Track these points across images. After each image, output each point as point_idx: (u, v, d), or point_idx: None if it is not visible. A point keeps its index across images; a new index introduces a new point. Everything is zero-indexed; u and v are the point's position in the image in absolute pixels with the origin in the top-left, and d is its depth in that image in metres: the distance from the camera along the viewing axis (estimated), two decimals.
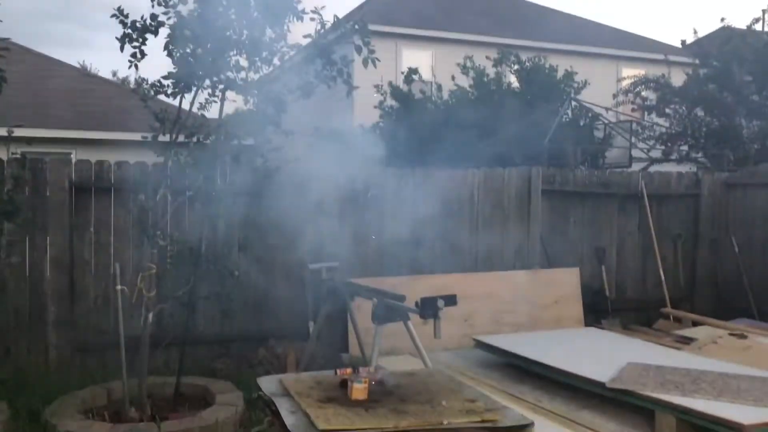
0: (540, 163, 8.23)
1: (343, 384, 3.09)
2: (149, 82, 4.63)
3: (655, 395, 4.45)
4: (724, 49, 11.07)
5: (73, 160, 6.10)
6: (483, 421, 2.71)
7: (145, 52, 4.39)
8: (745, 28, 11.69)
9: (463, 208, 7.23)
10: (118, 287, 4.88)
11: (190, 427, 4.33)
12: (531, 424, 2.74)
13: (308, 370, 4.66)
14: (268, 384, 3.17)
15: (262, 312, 6.46)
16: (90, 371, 5.67)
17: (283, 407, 2.82)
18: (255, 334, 6.35)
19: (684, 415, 4.26)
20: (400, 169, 7.03)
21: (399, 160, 7.41)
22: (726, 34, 11.57)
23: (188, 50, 4.39)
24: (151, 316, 4.68)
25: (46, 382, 5.34)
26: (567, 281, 7.39)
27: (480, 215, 7.28)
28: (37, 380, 5.36)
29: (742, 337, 6.24)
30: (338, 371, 3.26)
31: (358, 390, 2.93)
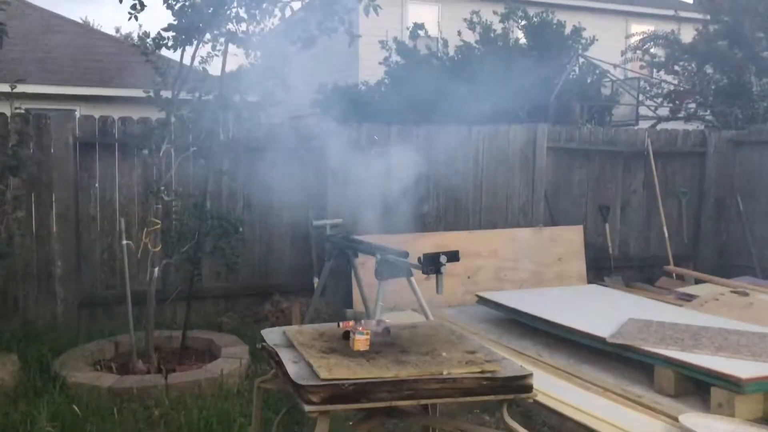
0: (546, 121, 8.18)
1: (346, 335, 3.12)
2: (151, 37, 4.60)
3: (654, 350, 4.51)
4: (736, 4, 10.86)
5: (78, 116, 6.09)
6: (482, 372, 2.74)
7: (145, 3, 4.34)
8: None
9: (468, 166, 7.22)
10: (124, 242, 4.92)
11: (196, 379, 4.41)
12: (530, 375, 2.77)
13: (312, 323, 4.72)
14: (271, 335, 3.20)
15: (267, 268, 6.53)
16: (98, 325, 5.76)
17: (286, 357, 2.86)
18: (260, 289, 6.42)
19: (683, 369, 4.31)
20: (404, 126, 7.00)
21: (403, 117, 7.37)
22: None
23: (187, 1, 4.34)
24: (156, 271, 4.73)
25: (55, 334, 5.44)
26: (571, 239, 7.41)
27: (485, 173, 7.27)
28: (45, 333, 5.46)
29: (744, 294, 6.27)
30: (341, 324, 3.30)
31: (360, 341, 2.97)
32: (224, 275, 6.20)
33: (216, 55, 4.78)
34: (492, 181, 7.31)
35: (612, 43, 13.47)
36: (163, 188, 4.74)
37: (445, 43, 10.98)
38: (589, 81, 10.69)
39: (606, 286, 7.15)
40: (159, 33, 4.49)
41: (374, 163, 6.49)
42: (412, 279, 4.87)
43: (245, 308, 6.35)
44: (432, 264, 4.36)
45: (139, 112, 6.10)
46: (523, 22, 11.01)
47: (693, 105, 11.18)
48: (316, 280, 6.18)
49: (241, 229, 5.40)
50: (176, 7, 4.36)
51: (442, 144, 6.89)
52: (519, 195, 7.44)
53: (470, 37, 11.02)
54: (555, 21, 10.99)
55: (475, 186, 7.26)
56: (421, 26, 10.84)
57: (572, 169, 7.71)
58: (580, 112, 9.51)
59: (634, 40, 12.37)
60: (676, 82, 11.55)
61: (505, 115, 8.05)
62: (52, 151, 5.73)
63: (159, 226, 4.69)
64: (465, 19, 11.16)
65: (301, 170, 6.48)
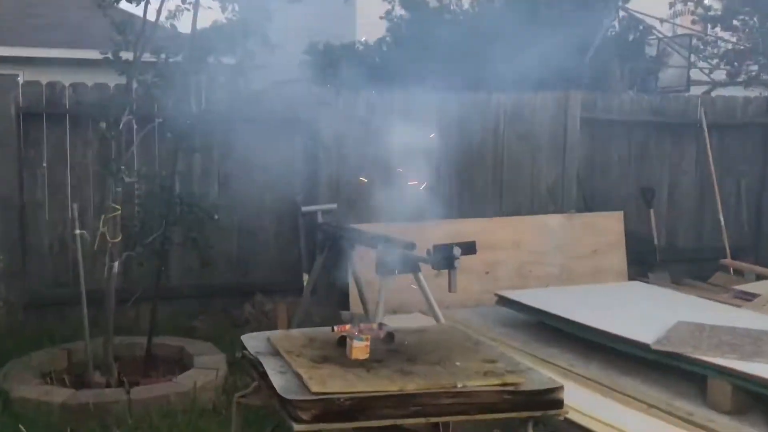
0: (579, 86, 8.14)
1: (341, 342, 3.15)
2: None
3: (708, 359, 4.52)
4: None
5: (21, 82, 6.09)
6: (504, 385, 2.76)
7: None
8: None
9: (487, 140, 7.22)
10: (77, 232, 4.93)
11: (165, 394, 4.44)
12: (560, 388, 2.79)
13: (301, 328, 4.74)
14: (253, 341, 3.23)
15: (248, 262, 6.55)
16: (47, 330, 5.78)
17: (271, 367, 2.88)
18: (239, 287, 6.44)
19: (742, 381, 4.32)
20: (408, 92, 6.98)
21: (408, 83, 7.35)
22: None
23: None
24: (116, 265, 4.75)
25: None
26: (608, 227, 7.42)
27: (506, 148, 7.27)
28: None
29: None
30: (336, 328, 3.32)
31: (359, 348, 2.99)
32: (197, 271, 6.21)
33: (186, 9, 4.78)
34: (515, 158, 7.31)
35: None
36: (123, 168, 4.75)
37: None
38: (630, 39, 10.64)
39: (650, 283, 7.16)
40: None
41: (374, 137, 6.49)
42: (420, 275, 4.88)
43: (222, 310, 6.37)
44: (444, 257, 4.37)
45: (95, 77, 6.08)
46: None
47: (755, 67, 11.13)
48: (305, 277, 6.18)
49: (216, 217, 5.41)
50: None
51: (455, 115, 6.88)
52: (547, 175, 7.44)
53: None
54: None
55: (495, 165, 7.26)
56: None
57: (610, 144, 7.70)
58: (620, 77, 9.47)
59: None
60: (734, 39, 11.49)
61: (530, 80, 8.02)
62: None
63: (119, 212, 4.70)
64: None
65: (287, 146, 6.49)
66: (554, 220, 7.28)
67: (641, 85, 10.30)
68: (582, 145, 7.54)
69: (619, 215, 7.50)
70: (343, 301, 6.48)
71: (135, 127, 5.13)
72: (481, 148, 7.19)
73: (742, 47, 11.37)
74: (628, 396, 4.54)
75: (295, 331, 3.51)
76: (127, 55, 4.67)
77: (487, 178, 7.26)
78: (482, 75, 7.40)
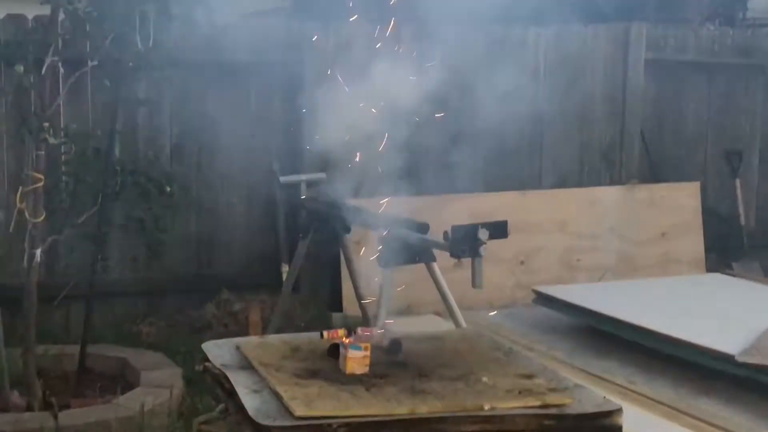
0: (644, 19, 8.10)
1: (333, 351, 3.16)
2: None
3: None
4: None
5: None
6: (544, 406, 2.77)
7: None
8: None
9: (522, 89, 7.17)
10: None
11: (103, 419, 4.47)
12: (617, 411, 2.80)
13: (280, 333, 4.75)
14: (218, 351, 3.25)
15: (211, 250, 6.56)
16: None
17: (242, 384, 2.90)
18: (200, 282, 6.47)
19: None
20: (419, 24, 6.94)
21: (420, 11, 7.30)
22: None
23: None
24: (38, 253, 4.75)
25: None
26: (681, 203, 7.42)
27: (547, 99, 7.25)
28: None
29: None
30: (325, 334, 3.33)
31: (355, 360, 3.00)
32: (144, 261, 6.22)
33: None
34: (559, 112, 7.28)
35: None
36: (46, 125, 4.74)
37: None
38: None
39: (735, 275, 7.16)
40: None
41: (373, 85, 6.46)
42: (435, 266, 4.89)
43: (177, 311, 6.39)
44: (466, 242, 4.36)
45: (9, 5, 6.06)
46: None
47: None
48: (285, 269, 6.20)
49: (169, 189, 5.41)
50: None
51: (480, 53, 6.86)
52: (601, 134, 7.43)
53: None
54: None
55: (533, 120, 7.24)
56: None
57: (684, 93, 7.69)
58: (698, 5, 9.43)
59: None
60: None
61: (580, 8, 7.99)
62: None
63: (41, 184, 4.69)
64: None
65: (261, 97, 6.48)
66: (610, 193, 7.28)
67: (725, 16, 10.25)
68: (647, 96, 7.52)
69: (694, 187, 7.50)
70: (335, 300, 6.50)
71: (62, 72, 5.11)
72: (514, 100, 7.15)
73: None
74: (705, 422, 4.56)
75: (273, 338, 3.53)
76: None
77: (523, 139, 7.25)
78: (516, 1, 7.37)
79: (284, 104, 6.57)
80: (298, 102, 6.56)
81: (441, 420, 2.69)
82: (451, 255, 4.45)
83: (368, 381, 2.94)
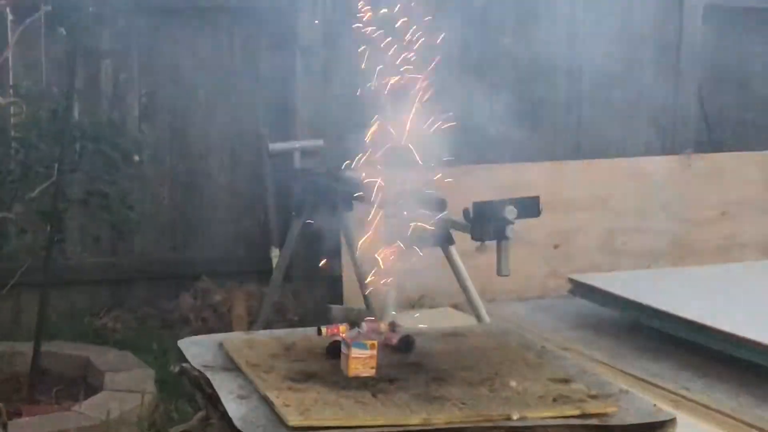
0: None
1: (333, 350, 3.18)
2: None
3: None
4: None
5: None
6: (584, 416, 2.78)
7: None
8: None
9: (554, 37, 7.17)
10: None
11: (62, 429, 4.48)
12: (670, 422, 2.82)
13: (269, 329, 4.76)
14: (197, 349, 3.26)
15: (188, 230, 6.57)
16: None
17: (226, 388, 2.91)
18: (174, 268, 6.48)
19: None
20: None
21: None
22: None
23: None
24: None
25: None
26: (746, 176, 7.40)
27: (585, 51, 7.22)
28: None
29: None
30: (324, 330, 3.35)
31: (360, 360, 3.02)
32: (108, 243, 6.24)
33: None
34: (600, 66, 7.25)
35: None
36: None
37: None
38: None
39: None
40: None
41: (381, 29, 6.44)
42: (453, 250, 4.90)
43: (147, 302, 6.41)
44: (490, 222, 4.38)
45: None
46: None
47: None
48: (275, 254, 6.22)
49: (137, 158, 5.41)
50: None
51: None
52: (650, 94, 7.40)
53: None
54: None
55: (570, 75, 7.23)
56: None
57: (751, 45, 7.65)
58: None
59: None
60: None
61: None
62: None
63: None
64: None
65: (246, 48, 6.46)
66: (661, 164, 7.27)
67: None
68: (706, 46, 7.49)
69: (763, 157, 7.48)
70: (335, 290, 6.51)
71: (10, 18, 5.11)
72: (548, 49, 7.14)
73: None
74: None
75: (262, 334, 3.55)
76: None
77: (558, 97, 7.23)
78: None
79: (274, 56, 6.55)
80: (290, 53, 6.57)
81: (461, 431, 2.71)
82: (473, 237, 4.47)
83: (375, 385, 2.95)
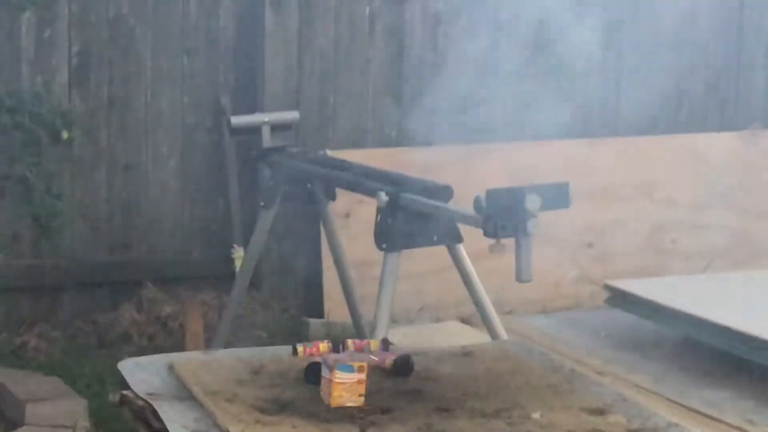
0: None
1: (313, 374, 3.19)
2: None
3: None
4: None
5: None
6: None
7: None
8: None
9: None
10: None
11: None
12: None
13: (232, 348, 4.77)
14: (143, 373, 3.27)
15: (130, 225, 6.56)
16: None
17: (177, 421, 2.92)
18: (112, 273, 6.49)
19: None
20: None
21: None
22: None
23: None
24: None
25: None
26: None
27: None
28: None
29: None
30: (301, 348, 3.36)
31: (346, 386, 3.02)
32: (30, 241, 6.24)
33: None
34: (645, 21, 7.27)
35: None
36: None
37: None
38: None
39: None
40: None
41: None
42: (462, 249, 4.91)
43: (79, 315, 6.42)
44: (507, 214, 4.38)
45: None
46: None
47: None
48: (239, 254, 6.22)
49: (66, 135, 5.41)
50: None
51: None
52: (707, 55, 7.41)
53: None
54: None
55: (607, 32, 7.22)
56: None
57: None
58: None
59: None
60: None
61: None
62: None
63: None
64: None
65: None
66: (721, 142, 7.29)
67: None
68: None
69: None
70: (313, 299, 6.53)
71: None
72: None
73: None
74: None
75: (223, 355, 3.55)
76: None
77: (591, 60, 7.22)
78: None
79: (237, 8, 6.56)
80: (258, 4, 6.57)
81: None
82: (486, 233, 4.47)
83: (364, 418, 2.97)
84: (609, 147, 7.10)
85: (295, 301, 6.54)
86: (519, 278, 4.42)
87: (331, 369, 3.07)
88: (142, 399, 3.13)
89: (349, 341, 3.34)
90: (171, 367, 3.32)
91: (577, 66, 7.14)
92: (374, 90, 6.73)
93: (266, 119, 5.77)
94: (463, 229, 4.80)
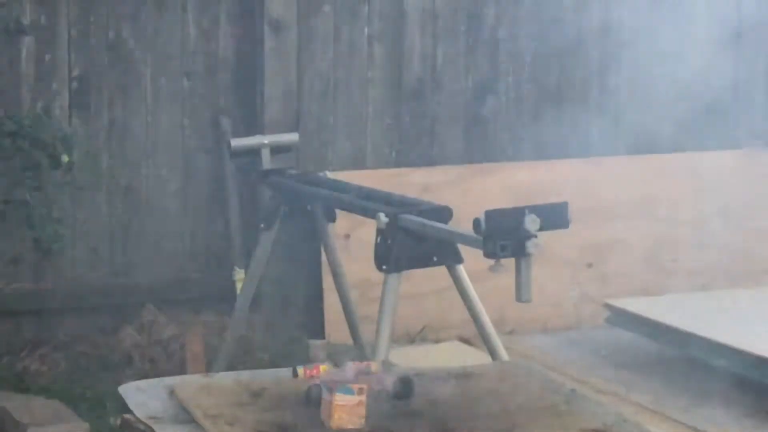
0: None
1: (312, 397, 3.19)
2: None
3: None
4: None
5: None
6: None
7: None
8: None
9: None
10: None
11: None
12: None
13: (233, 370, 4.77)
14: (143, 397, 3.26)
15: (131, 247, 6.56)
16: None
17: None
18: (113, 295, 6.48)
19: None
20: None
21: None
22: None
23: None
24: None
25: None
26: None
27: (624, 19, 7.24)
28: None
29: None
30: (301, 370, 3.36)
31: (346, 408, 3.02)
32: (31, 264, 6.24)
33: None
34: (645, 30, 7.25)
35: None
36: None
37: None
38: None
39: None
40: None
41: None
42: (462, 270, 4.92)
43: (80, 338, 6.40)
44: (507, 235, 4.39)
45: None
46: None
47: None
48: (239, 275, 6.23)
49: (66, 159, 5.41)
50: None
51: None
52: (705, 69, 7.40)
53: None
54: None
55: (600, 42, 7.23)
56: None
57: None
58: None
59: None
60: None
61: None
62: None
63: None
64: None
65: (201, 19, 6.46)
66: (721, 160, 7.28)
67: None
68: None
69: None
70: (314, 321, 6.52)
71: None
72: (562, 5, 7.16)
73: None
74: None
75: (224, 378, 3.55)
76: None
77: (586, 74, 7.23)
78: None
79: (236, 31, 6.57)
80: (257, 27, 6.57)
81: None
82: (485, 254, 4.48)
83: None
84: (608, 166, 7.10)
85: (295, 323, 6.54)
86: (519, 298, 4.43)
87: (331, 391, 3.07)
88: (143, 423, 3.13)
89: (350, 363, 3.34)
90: (172, 391, 3.32)
91: (577, 86, 7.16)
92: (373, 111, 6.74)
93: (266, 141, 5.78)
94: (463, 249, 4.81)
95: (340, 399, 3.04)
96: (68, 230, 5.87)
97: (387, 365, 3.41)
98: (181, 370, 5.63)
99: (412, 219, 4.84)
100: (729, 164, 7.28)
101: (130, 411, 3.23)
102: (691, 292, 6.85)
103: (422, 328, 6.10)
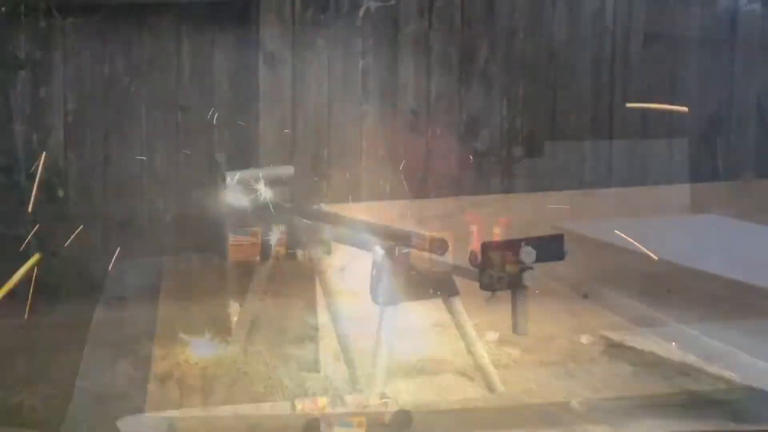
0: None
1: (312, 430, 3.20)
2: None
3: None
4: None
5: None
6: None
7: None
8: None
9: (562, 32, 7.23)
10: None
11: None
12: None
13: (230, 404, 4.77)
14: (143, 430, 3.27)
15: (125, 282, 6.56)
16: None
17: None
18: (110, 329, 6.46)
19: None
20: None
21: None
22: None
23: None
24: None
25: None
26: None
27: (618, 37, 7.28)
28: None
29: None
30: (299, 404, 3.37)
31: None
32: (26, 299, 6.24)
33: None
34: (638, 60, 7.30)
35: None
36: None
37: None
38: None
39: None
40: None
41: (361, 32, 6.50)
42: (458, 302, 4.93)
43: (76, 372, 6.40)
44: (503, 267, 4.40)
45: None
46: None
47: None
48: (234, 309, 6.22)
49: (61, 193, 5.42)
50: None
51: None
52: (696, 99, 7.42)
53: None
54: None
55: (594, 70, 7.27)
56: None
57: None
58: None
59: None
60: None
61: None
62: None
63: None
64: None
65: (196, 51, 6.51)
66: (713, 193, 7.29)
67: None
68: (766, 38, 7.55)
69: None
70: (310, 354, 6.53)
71: None
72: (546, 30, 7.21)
73: None
74: None
75: (222, 411, 3.55)
76: None
77: (580, 107, 7.27)
78: None
79: (231, 63, 6.59)
80: (251, 59, 6.61)
81: None
82: (481, 286, 4.49)
83: None
84: (601, 198, 7.12)
85: (292, 356, 6.55)
86: (515, 331, 4.44)
87: (330, 425, 3.08)
88: None
89: (348, 396, 3.34)
90: (170, 425, 3.33)
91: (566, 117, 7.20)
92: (368, 144, 6.77)
93: (261, 175, 5.80)
94: (459, 281, 4.82)
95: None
96: (62, 265, 5.88)
97: (384, 398, 3.41)
98: (179, 404, 5.63)
99: (407, 251, 4.85)
100: (721, 196, 7.31)
101: None
102: (686, 324, 6.87)
103: (418, 360, 6.10)
